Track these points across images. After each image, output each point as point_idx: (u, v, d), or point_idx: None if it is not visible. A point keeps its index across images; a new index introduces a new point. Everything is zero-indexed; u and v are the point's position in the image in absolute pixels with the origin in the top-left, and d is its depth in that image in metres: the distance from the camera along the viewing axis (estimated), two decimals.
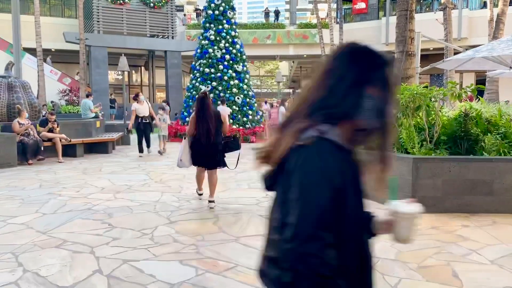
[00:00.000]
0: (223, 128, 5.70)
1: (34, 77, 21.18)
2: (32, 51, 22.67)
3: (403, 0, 7.90)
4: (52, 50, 25.95)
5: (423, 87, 6.14)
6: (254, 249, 4.05)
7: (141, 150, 11.12)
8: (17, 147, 9.26)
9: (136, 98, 10.91)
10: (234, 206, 5.76)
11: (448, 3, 15.17)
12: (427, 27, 20.79)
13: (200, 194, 6.21)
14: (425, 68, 10.59)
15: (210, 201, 5.70)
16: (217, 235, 4.48)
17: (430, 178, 5.37)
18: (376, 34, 26.26)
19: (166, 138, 11.76)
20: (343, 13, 26.69)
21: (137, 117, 10.81)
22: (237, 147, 5.86)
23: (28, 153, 9.47)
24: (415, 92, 5.92)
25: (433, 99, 6.13)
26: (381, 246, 4.13)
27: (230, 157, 5.94)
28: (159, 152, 11.25)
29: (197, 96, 5.91)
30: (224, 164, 5.77)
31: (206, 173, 5.83)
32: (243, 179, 7.84)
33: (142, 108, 10.78)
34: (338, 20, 27.74)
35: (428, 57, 22.19)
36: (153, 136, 11.82)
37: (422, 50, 10.38)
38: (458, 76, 22.90)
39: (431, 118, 6.19)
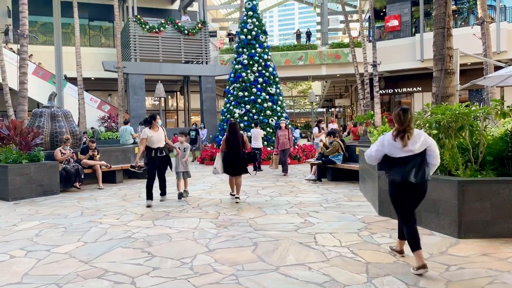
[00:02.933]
0: (245, 146, 8.02)
1: (75, 105, 22.04)
2: (73, 80, 23.64)
3: (440, 18, 7.73)
4: (92, 78, 26.94)
5: (465, 105, 5.93)
6: (295, 279, 3.95)
7: (150, 197, 7.76)
8: (60, 175, 9.55)
9: (147, 122, 7.94)
10: (272, 232, 5.67)
11: (485, 17, 14.79)
12: (464, 42, 20.32)
13: (233, 195, 8.34)
14: (465, 85, 10.28)
15: (236, 197, 8.01)
16: (256, 264, 4.40)
17: (477, 202, 5.13)
18: (410, 51, 25.88)
19: (189, 175, 8.70)
20: (375, 31, 26.48)
21: (148, 148, 7.79)
22: (255, 160, 8.40)
23: (72, 179, 9.76)
24: (457, 111, 5.72)
25: (476, 119, 5.91)
26: (430, 275, 3.94)
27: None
28: (180, 195, 8.40)
29: (229, 122, 8.14)
30: (246, 172, 8.10)
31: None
32: (280, 204, 7.74)
33: (157, 136, 7.78)
34: (370, 38, 27.56)
35: (466, 72, 21.62)
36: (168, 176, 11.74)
37: (460, 65, 10.09)
38: (499, 90, 22.14)
39: (475, 138, 5.95)
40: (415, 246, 4.05)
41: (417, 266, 4.00)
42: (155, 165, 7.86)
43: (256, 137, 12.88)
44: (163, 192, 8.32)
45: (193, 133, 17.36)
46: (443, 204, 5.34)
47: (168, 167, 8.14)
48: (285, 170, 12.07)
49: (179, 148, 8.45)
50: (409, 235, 4.11)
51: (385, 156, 4.26)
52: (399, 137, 4.12)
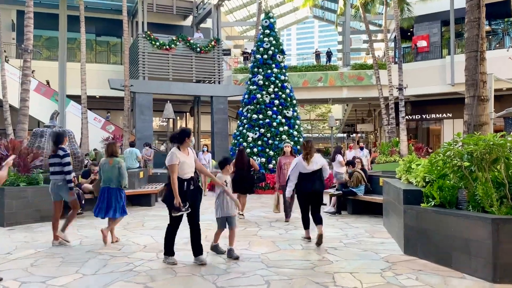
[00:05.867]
0: (254, 167, 10.24)
1: (77, 124, 22.38)
2: (76, 98, 24.07)
3: (472, 40, 7.77)
4: (97, 96, 27.40)
5: (500, 135, 5.89)
6: None
7: (172, 251, 6.14)
8: None
9: (175, 139, 6.11)
10: (286, 270, 5.62)
11: None
12: (499, 65, 20.28)
13: (240, 214, 9.43)
14: (500, 113, 10.23)
15: (240, 214, 9.42)
16: None
17: None
18: (440, 74, 25.90)
19: (234, 222, 6.56)
20: (402, 52, 26.63)
21: (179, 179, 5.92)
22: (263, 180, 10.90)
23: (81, 204, 9.81)
24: (491, 142, 5.69)
25: None
26: None
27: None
28: (216, 249, 6.63)
29: (238, 149, 9.86)
30: (252, 192, 10.36)
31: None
32: (296, 238, 7.69)
33: (189, 161, 6.06)
34: (396, 59, 27.70)
35: (502, 98, 21.48)
36: None
37: (494, 91, 10.06)
38: None
39: (511, 171, 5.89)
40: (306, 227, 7.52)
41: (305, 236, 7.52)
42: (186, 199, 5.94)
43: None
44: (197, 250, 6.09)
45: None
46: (475, 245, 5.26)
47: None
48: (288, 214, 9.71)
49: (223, 180, 6.59)
50: (318, 218, 7.20)
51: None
52: (305, 159, 7.28)
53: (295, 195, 7.80)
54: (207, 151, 16.18)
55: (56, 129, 11.65)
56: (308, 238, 7.47)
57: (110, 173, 7.44)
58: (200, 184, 6.34)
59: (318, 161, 7.34)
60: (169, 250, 6.06)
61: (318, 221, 7.16)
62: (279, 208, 9.84)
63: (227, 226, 6.45)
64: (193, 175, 6.05)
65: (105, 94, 26.66)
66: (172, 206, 5.86)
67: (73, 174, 7.54)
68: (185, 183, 5.91)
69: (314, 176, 7.27)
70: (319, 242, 6.99)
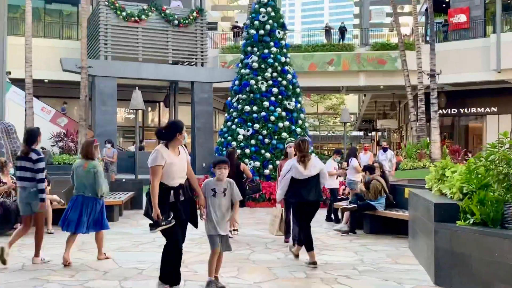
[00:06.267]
0: (246, 174, 10.28)
1: (20, 115, 22.20)
2: (19, 83, 23.91)
3: None
4: (45, 81, 27.30)
5: None
6: None
7: (176, 279, 5.98)
8: None
9: (163, 135, 6.00)
10: None
11: None
12: None
13: (233, 230, 9.85)
14: None
15: (234, 229, 9.86)
16: None
17: None
18: (482, 57, 25.95)
19: (228, 246, 6.42)
20: (435, 29, 26.70)
21: (163, 187, 5.76)
22: (258, 190, 11.08)
23: (12, 219, 9.77)
24: None
25: None
26: None
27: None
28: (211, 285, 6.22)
29: (227, 150, 9.73)
30: (242, 205, 9.69)
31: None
32: (298, 263, 7.70)
33: (179, 163, 5.94)
34: (428, 38, 27.76)
35: None
36: None
37: None
38: None
39: None
40: (310, 247, 7.52)
41: (310, 261, 7.43)
42: (180, 219, 5.79)
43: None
44: (175, 278, 5.95)
45: None
46: None
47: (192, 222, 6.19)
48: (288, 234, 9.36)
49: (212, 188, 6.24)
50: (306, 239, 7.59)
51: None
52: (301, 162, 7.56)
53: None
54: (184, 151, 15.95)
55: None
56: (297, 256, 7.97)
57: (84, 178, 7.56)
58: (194, 195, 6.13)
59: (316, 165, 7.69)
60: (166, 277, 5.85)
61: (310, 244, 7.54)
62: (282, 229, 9.35)
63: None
64: (183, 182, 5.93)
65: (56, 77, 26.54)
66: (158, 221, 5.66)
67: (45, 183, 7.72)
68: (172, 192, 5.77)
69: (311, 183, 7.59)
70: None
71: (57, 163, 20.98)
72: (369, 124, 52.22)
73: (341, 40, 31.15)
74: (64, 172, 14.76)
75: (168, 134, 5.91)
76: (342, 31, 31.42)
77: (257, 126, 16.31)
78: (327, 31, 32.68)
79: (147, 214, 5.79)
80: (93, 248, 8.70)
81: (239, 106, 16.84)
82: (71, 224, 7.49)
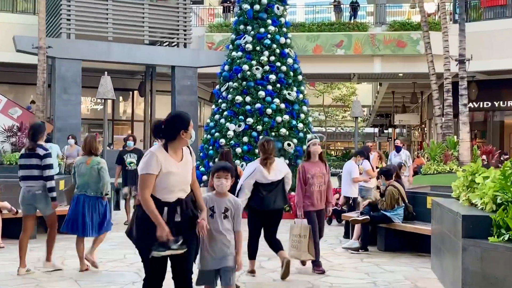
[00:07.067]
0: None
1: None
2: None
3: None
4: None
5: None
6: None
7: None
8: None
9: (160, 132, 5.38)
10: None
11: None
12: None
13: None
14: None
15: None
16: None
17: None
18: None
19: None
20: (465, 6, 26.73)
21: (157, 201, 5.19)
22: None
23: None
24: None
25: None
26: None
27: None
28: None
29: (220, 151, 9.99)
30: None
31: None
32: (302, 280, 7.72)
33: (182, 170, 5.43)
34: (456, 16, 27.78)
35: None
36: None
37: None
38: None
39: None
40: (253, 256, 8.44)
41: (249, 270, 8.37)
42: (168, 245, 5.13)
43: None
44: None
45: (132, 160, 14.24)
46: None
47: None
48: (316, 258, 8.95)
49: (211, 206, 5.81)
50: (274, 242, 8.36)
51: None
52: (264, 165, 8.10)
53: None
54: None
55: None
56: (253, 271, 8.47)
57: (87, 176, 8.28)
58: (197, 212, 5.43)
59: (281, 169, 8.37)
60: None
61: (279, 245, 8.33)
62: (311, 250, 8.68)
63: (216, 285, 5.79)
64: (184, 196, 5.30)
65: (7, 59, 26.37)
66: (147, 243, 5.05)
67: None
68: (166, 209, 5.15)
69: (275, 189, 8.26)
70: (286, 272, 8.01)
71: (8, 162, 20.84)
72: (385, 119, 52.36)
73: (352, 18, 31.13)
74: (16, 174, 14.69)
75: (169, 131, 5.26)
76: (354, 6, 31.39)
77: (250, 120, 16.25)
78: (336, 6, 32.60)
79: (130, 234, 5.28)
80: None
81: (229, 96, 16.78)
82: (74, 225, 8.22)
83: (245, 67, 16.68)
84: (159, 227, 4.93)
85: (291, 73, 17.04)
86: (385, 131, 55.26)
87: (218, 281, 5.75)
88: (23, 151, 8.59)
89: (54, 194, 8.18)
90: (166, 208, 5.10)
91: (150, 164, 5.07)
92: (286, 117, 16.41)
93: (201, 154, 17.27)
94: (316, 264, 8.78)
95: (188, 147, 5.47)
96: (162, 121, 5.33)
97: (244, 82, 16.66)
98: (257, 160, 8.36)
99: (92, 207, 8.19)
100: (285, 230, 12.24)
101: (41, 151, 8.12)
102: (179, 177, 5.21)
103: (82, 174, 8.27)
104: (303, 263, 9.00)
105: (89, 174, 8.21)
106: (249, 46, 16.89)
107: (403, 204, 10.53)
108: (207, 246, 5.62)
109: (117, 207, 14.65)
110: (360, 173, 12.99)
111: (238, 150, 15.86)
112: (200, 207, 5.42)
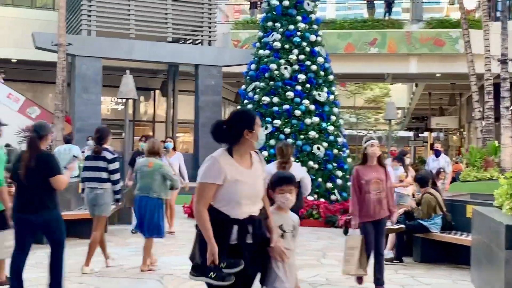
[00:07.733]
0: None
1: None
2: None
3: None
4: (13, 60, 27.42)
5: None
6: None
7: None
8: None
9: (231, 132, 4.88)
10: None
11: None
12: None
13: None
14: None
15: None
16: None
17: None
18: None
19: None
20: (508, 3, 26.50)
21: (221, 216, 4.71)
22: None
23: None
24: None
25: None
26: None
27: None
28: None
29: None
30: None
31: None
32: None
33: (252, 178, 4.82)
34: (498, 14, 27.55)
35: None
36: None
37: None
38: None
39: None
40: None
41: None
42: (242, 274, 4.52)
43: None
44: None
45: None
46: None
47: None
48: (378, 280, 8.46)
49: (279, 224, 5.05)
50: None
51: None
52: (282, 169, 8.04)
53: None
54: (174, 149, 14.39)
55: None
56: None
57: (149, 179, 8.92)
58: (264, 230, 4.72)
59: (297, 173, 7.87)
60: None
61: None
62: (363, 264, 8.22)
63: None
64: (257, 212, 4.63)
65: (26, 57, 26.64)
66: (206, 267, 4.45)
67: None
68: (236, 228, 4.48)
69: None
70: None
71: None
72: (421, 122, 52.01)
73: (387, 15, 31.04)
74: None
75: (231, 131, 4.60)
76: (389, 3, 31.28)
77: (278, 122, 16.25)
78: (369, 2, 32.59)
79: (193, 258, 4.64)
80: (67, 273, 8.75)
81: (256, 96, 16.80)
82: (142, 226, 9.04)
83: (273, 66, 16.69)
84: (209, 245, 4.30)
85: (322, 73, 17.00)
86: (420, 135, 54.85)
87: None
88: (89, 153, 9.41)
89: (119, 196, 9.10)
90: (236, 227, 4.44)
91: (212, 171, 4.47)
92: (316, 119, 16.37)
93: None
94: (378, 283, 8.23)
95: (257, 152, 4.82)
96: (224, 121, 4.70)
97: (272, 82, 16.67)
98: (274, 163, 8.65)
99: (153, 209, 8.85)
100: (313, 238, 12.29)
101: (108, 155, 8.72)
102: (248, 187, 4.52)
103: (144, 176, 8.96)
104: (359, 280, 8.45)
105: (151, 176, 8.87)
106: (277, 44, 16.89)
107: (441, 213, 10.44)
108: (286, 272, 4.84)
109: None
110: (401, 181, 12.83)
111: (265, 153, 15.81)
112: (269, 226, 4.73)
